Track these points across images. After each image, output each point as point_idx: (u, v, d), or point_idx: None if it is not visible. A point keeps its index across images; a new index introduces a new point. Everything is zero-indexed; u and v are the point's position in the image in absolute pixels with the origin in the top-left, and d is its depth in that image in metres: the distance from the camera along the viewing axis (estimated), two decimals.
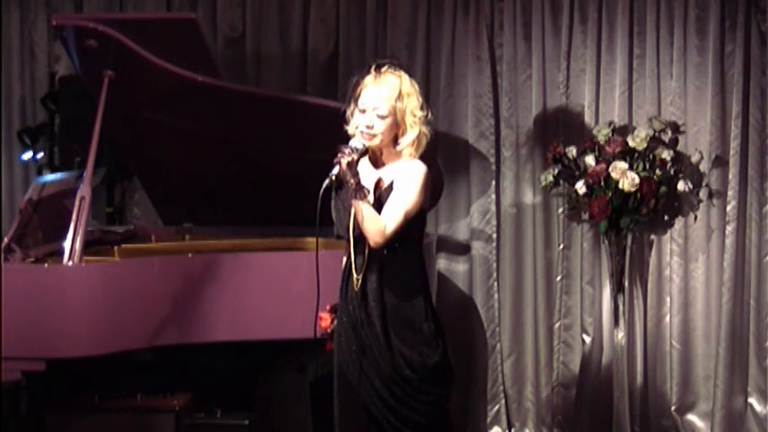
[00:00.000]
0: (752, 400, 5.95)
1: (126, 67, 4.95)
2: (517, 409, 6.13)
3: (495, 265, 6.10)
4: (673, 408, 5.98)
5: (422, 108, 3.81)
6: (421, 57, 6.11)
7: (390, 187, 3.77)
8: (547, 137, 6.02)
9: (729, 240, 5.88)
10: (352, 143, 3.77)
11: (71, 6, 6.33)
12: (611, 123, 5.87)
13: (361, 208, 3.71)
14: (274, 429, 5.15)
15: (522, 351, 6.13)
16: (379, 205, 3.76)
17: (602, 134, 5.82)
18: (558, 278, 6.08)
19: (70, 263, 4.61)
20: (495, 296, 6.10)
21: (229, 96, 5.18)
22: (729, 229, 5.88)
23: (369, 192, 3.72)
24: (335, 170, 3.72)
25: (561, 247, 6.07)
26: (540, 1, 6.02)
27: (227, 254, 5.04)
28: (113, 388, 4.94)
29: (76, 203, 4.69)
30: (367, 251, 3.76)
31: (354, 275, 3.79)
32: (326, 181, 3.74)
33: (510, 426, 6.12)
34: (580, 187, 5.77)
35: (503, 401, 6.10)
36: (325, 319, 3.91)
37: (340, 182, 3.76)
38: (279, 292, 4.84)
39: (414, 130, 3.79)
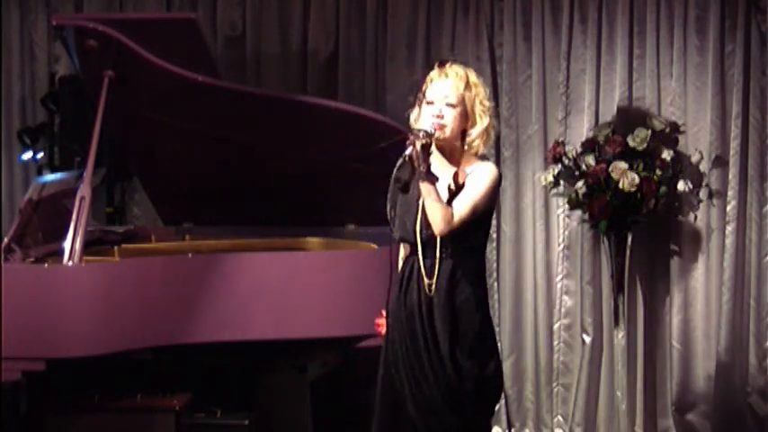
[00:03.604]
0: (752, 400, 5.94)
1: (126, 67, 4.95)
2: (517, 409, 6.13)
3: (495, 265, 6.10)
4: (673, 408, 5.98)
5: (489, 99, 3.74)
6: (421, 57, 6.11)
7: (464, 184, 3.66)
8: (547, 137, 6.02)
9: (729, 240, 5.87)
10: (424, 126, 3.64)
11: (71, 6, 6.33)
12: (611, 123, 5.87)
13: (430, 191, 3.58)
14: (274, 429, 5.14)
15: (522, 351, 6.12)
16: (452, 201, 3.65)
17: (602, 134, 5.82)
18: (558, 278, 6.08)
19: (70, 263, 4.60)
20: (495, 296, 6.10)
21: (229, 96, 5.18)
22: (729, 229, 5.87)
23: (437, 179, 3.60)
24: (409, 150, 3.57)
25: (561, 247, 6.06)
26: (540, 1, 6.02)
27: (227, 254, 5.03)
28: (113, 388, 4.93)
29: (76, 203, 4.68)
30: (438, 256, 3.64)
31: (426, 280, 3.65)
32: (400, 160, 3.63)
33: (510, 426, 6.12)
34: (580, 187, 5.77)
35: (503, 401, 6.09)
36: (382, 326, 3.79)
37: (407, 184, 3.64)
38: (279, 293, 4.84)
39: (483, 120, 3.70)
